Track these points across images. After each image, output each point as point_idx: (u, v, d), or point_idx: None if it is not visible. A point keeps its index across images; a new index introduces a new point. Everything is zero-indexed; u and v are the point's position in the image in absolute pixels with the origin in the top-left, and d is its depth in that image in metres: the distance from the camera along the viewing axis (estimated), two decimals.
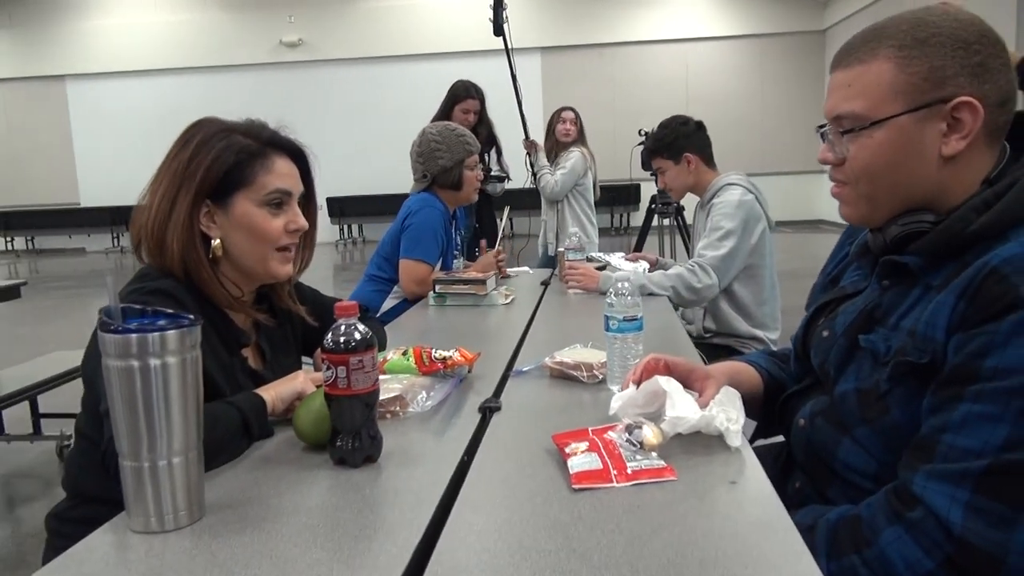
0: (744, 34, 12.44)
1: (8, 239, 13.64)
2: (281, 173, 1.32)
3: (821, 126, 1.09)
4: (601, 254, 2.99)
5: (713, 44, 12.59)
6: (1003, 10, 7.19)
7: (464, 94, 4.09)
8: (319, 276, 9.95)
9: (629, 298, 1.37)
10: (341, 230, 13.17)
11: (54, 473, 3.25)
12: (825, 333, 1.14)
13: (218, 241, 1.29)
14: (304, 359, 1.54)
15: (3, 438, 3.45)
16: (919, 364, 0.93)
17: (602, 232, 4.80)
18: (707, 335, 2.63)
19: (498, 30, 4.24)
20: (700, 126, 2.67)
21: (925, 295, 0.97)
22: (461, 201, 2.74)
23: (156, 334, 0.87)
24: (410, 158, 2.69)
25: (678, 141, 2.61)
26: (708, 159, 2.64)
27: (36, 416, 3.46)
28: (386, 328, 2.18)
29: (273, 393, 1.20)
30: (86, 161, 13.57)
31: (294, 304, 1.46)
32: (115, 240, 13.53)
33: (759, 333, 2.55)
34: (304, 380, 1.25)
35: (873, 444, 1.00)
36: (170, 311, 0.93)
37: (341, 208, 12.85)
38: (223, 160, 1.27)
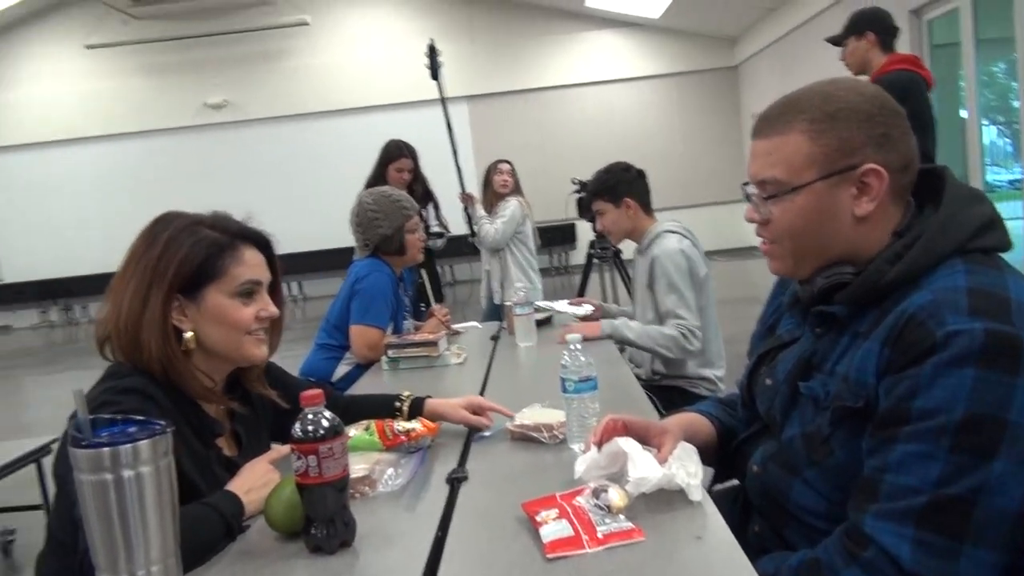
0: (662, 73, 12.89)
1: None
2: (251, 264, 1.35)
3: (745, 184, 1.18)
4: (547, 303, 3.05)
5: (634, 84, 12.98)
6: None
7: (397, 153, 4.13)
8: None
9: (583, 359, 1.42)
10: None
11: None
12: (768, 381, 1.22)
13: (191, 334, 1.29)
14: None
15: None
16: (855, 408, 1.01)
17: (543, 273, 4.89)
18: (656, 377, 2.70)
19: (434, 74, 4.34)
20: (641, 174, 2.76)
21: (854, 341, 1.05)
22: (407, 263, 2.77)
23: (128, 446, 0.88)
24: (350, 226, 2.72)
25: (619, 186, 2.70)
26: (646, 206, 2.73)
27: None
28: (349, 394, 2.19)
29: (252, 498, 1.21)
30: (8, 235, 13.05)
31: (264, 389, 1.47)
32: (43, 315, 13.03)
33: (707, 372, 2.64)
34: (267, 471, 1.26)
35: (822, 485, 1.07)
36: (140, 418, 0.94)
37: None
38: (194, 255, 1.29)
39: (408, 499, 1.27)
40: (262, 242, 1.41)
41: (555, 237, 11.57)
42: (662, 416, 1.54)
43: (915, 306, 0.96)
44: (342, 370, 2.62)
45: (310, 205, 11.77)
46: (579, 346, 1.44)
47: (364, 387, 2.27)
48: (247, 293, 1.34)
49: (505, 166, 4.58)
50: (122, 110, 12.71)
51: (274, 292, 1.42)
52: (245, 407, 1.43)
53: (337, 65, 12.81)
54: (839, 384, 1.04)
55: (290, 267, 11.70)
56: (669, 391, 2.60)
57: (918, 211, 1.10)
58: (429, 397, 1.65)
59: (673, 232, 2.64)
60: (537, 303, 3.04)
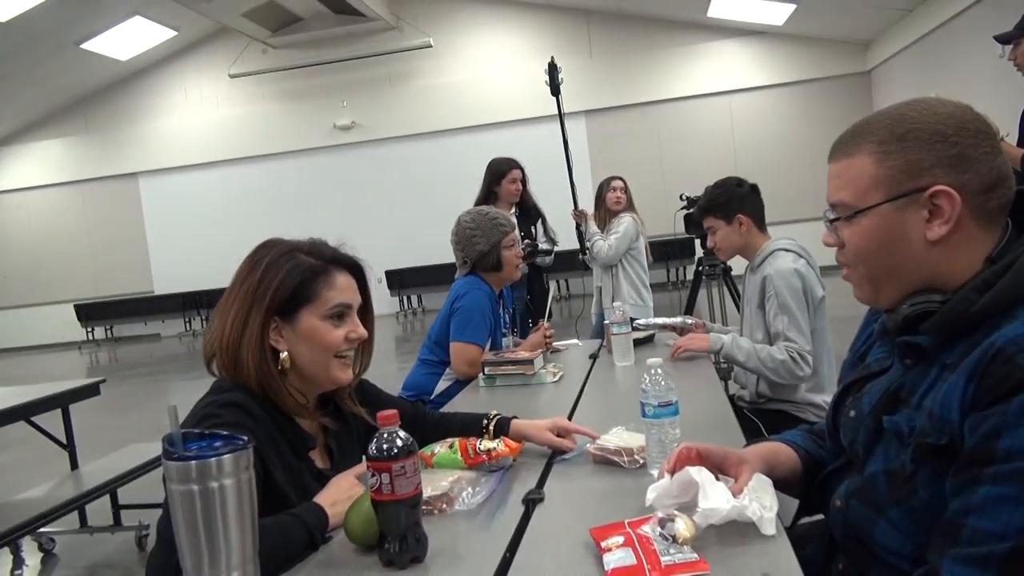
0: (788, 81, 12.45)
1: (89, 329, 14.32)
2: (342, 288, 1.42)
3: (825, 214, 1.16)
4: (645, 320, 3.01)
5: (757, 93, 12.62)
6: None
7: (507, 167, 4.19)
8: (381, 348, 10.10)
9: (663, 383, 1.41)
10: (401, 301, 13.44)
11: (134, 563, 3.37)
12: (852, 413, 1.17)
13: (286, 354, 1.38)
14: None
15: (86, 530, 3.61)
16: (939, 445, 0.95)
17: (659, 287, 4.84)
18: (761, 400, 2.61)
19: (555, 90, 4.44)
20: (755, 189, 2.66)
21: (942, 374, 0.99)
22: (505, 281, 2.81)
23: (213, 459, 0.95)
24: (451, 246, 2.80)
25: (732, 202, 2.60)
26: (760, 223, 2.63)
27: (116, 508, 3.61)
28: (439, 411, 2.26)
29: (337, 511, 1.27)
30: (158, 251, 14.27)
31: (354, 406, 1.54)
32: (187, 324, 14.07)
33: (816, 398, 2.51)
34: (353, 485, 1.32)
35: (906, 525, 1.02)
36: (225, 433, 1.01)
37: (400, 280, 13.14)
38: (290, 280, 1.37)
39: (484, 518, 1.30)
40: (354, 267, 1.47)
41: (673, 251, 11.38)
42: (756, 439, 1.49)
43: (1004, 339, 0.90)
44: (442, 385, 2.70)
45: (431, 219, 12.07)
46: (660, 370, 1.42)
47: (460, 403, 2.32)
48: (338, 316, 1.41)
49: (618, 183, 4.57)
50: (259, 134, 13.64)
51: (364, 315, 1.49)
52: (337, 422, 1.51)
53: (459, 84, 13.20)
54: (924, 419, 0.99)
55: (409, 281, 12.16)
56: (774, 415, 2.51)
57: (1017, 236, 1.03)
58: (515, 417, 1.67)
59: (787, 251, 2.53)
60: (638, 321, 3.01)
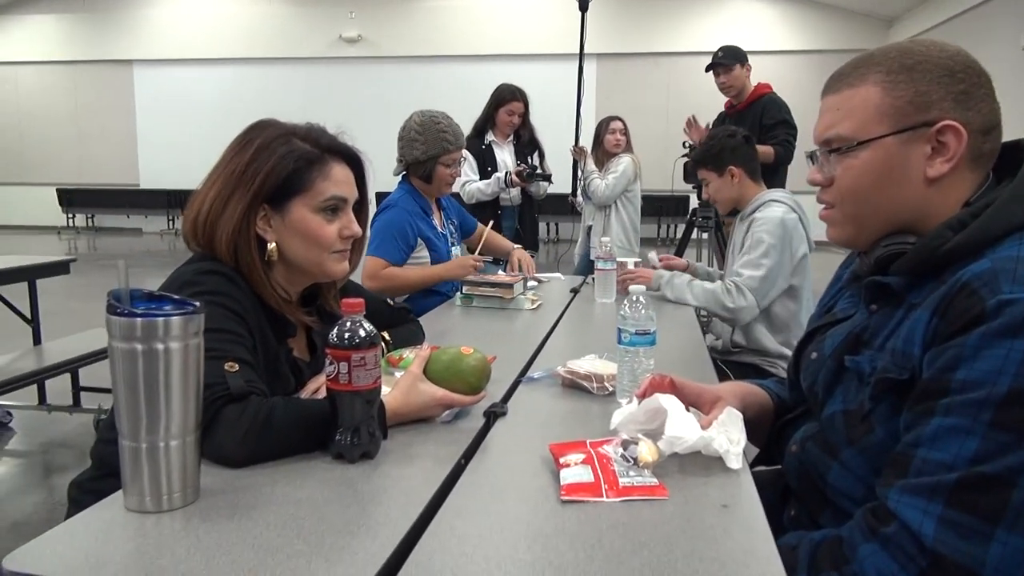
0: (806, 49, 12.20)
1: (70, 216, 14.09)
2: (338, 180, 1.32)
3: (811, 152, 1.11)
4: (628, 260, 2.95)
5: (774, 58, 12.33)
6: None
7: (509, 97, 4.10)
8: None
9: (643, 312, 1.36)
10: None
11: (89, 445, 3.34)
12: (814, 355, 1.14)
13: (274, 245, 1.29)
14: None
15: (44, 407, 3.57)
16: (900, 380, 0.93)
17: (650, 242, 4.77)
18: (735, 350, 2.59)
19: (583, 5, 4.44)
20: (748, 139, 2.63)
21: (908, 314, 0.96)
22: (433, 194, 2.73)
23: (161, 319, 0.89)
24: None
25: (723, 153, 2.58)
26: (753, 173, 2.60)
27: (76, 389, 3.57)
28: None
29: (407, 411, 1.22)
30: (147, 144, 13.95)
31: (337, 307, 1.46)
32: (170, 222, 13.87)
33: (789, 353, 2.49)
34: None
35: (860, 466, 1.00)
36: (176, 297, 0.95)
37: None
38: (282, 166, 1.27)
39: (442, 425, 1.26)
40: (352, 158, 1.38)
41: (668, 207, 11.30)
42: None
43: (971, 274, 0.87)
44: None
45: None
46: (643, 299, 1.37)
47: (433, 318, 2.27)
48: (332, 209, 1.31)
49: (618, 124, 4.47)
50: (263, 35, 13.23)
51: (360, 211, 1.41)
52: (320, 323, 1.43)
53: (473, 9, 12.81)
54: (886, 358, 0.96)
55: None
56: (744, 367, 2.49)
57: (995, 185, 0.99)
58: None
59: (780, 202, 2.50)
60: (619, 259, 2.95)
